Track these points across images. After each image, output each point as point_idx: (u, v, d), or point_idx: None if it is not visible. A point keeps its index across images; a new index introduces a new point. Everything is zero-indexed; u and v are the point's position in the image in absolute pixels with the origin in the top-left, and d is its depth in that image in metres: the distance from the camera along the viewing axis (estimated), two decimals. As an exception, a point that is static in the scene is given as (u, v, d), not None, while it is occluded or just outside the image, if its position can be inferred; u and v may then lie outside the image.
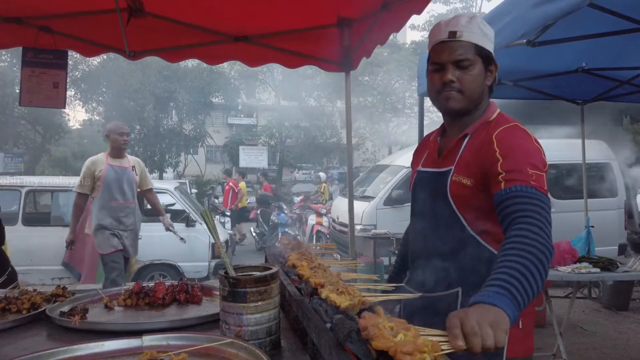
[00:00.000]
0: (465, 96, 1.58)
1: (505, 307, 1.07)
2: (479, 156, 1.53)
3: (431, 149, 1.76)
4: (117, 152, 4.88)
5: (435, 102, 1.66)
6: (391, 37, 3.39)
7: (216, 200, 16.13)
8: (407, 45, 30.01)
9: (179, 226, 7.29)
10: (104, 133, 4.99)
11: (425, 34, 31.49)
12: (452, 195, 1.57)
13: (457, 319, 1.00)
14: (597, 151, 7.95)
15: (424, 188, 1.72)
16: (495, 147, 1.48)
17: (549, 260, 1.24)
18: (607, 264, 4.12)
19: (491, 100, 1.68)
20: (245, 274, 1.33)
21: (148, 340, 1.26)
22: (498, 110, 1.65)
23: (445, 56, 1.57)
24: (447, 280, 1.58)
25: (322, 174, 16.43)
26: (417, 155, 1.88)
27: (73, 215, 4.96)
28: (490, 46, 1.59)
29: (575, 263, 4.14)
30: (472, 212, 1.54)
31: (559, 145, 7.72)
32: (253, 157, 24.99)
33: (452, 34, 1.55)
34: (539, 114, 6.27)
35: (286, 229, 11.14)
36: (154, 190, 8.74)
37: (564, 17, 2.42)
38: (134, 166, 5.05)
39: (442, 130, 1.78)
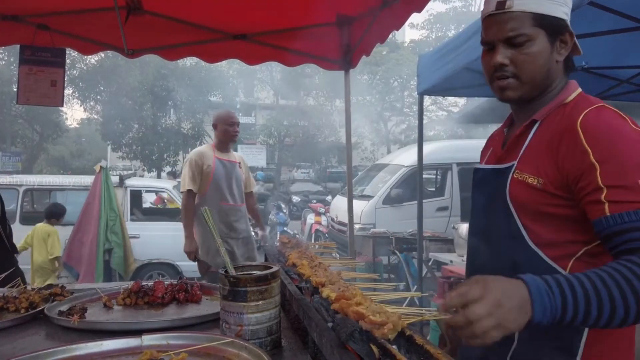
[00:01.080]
0: (523, 82, 1.25)
1: (537, 303, 0.91)
2: (556, 150, 1.18)
3: (496, 142, 1.44)
4: (225, 145, 4.10)
5: (491, 90, 1.35)
6: (390, 36, 3.38)
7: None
8: (406, 44, 30.03)
9: (177, 225, 7.27)
10: (212, 122, 4.16)
11: (424, 32, 31.55)
12: (511, 198, 1.24)
13: (475, 292, 0.90)
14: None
15: (480, 189, 1.41)
16: (585, 144, 1.12)
17: None
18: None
19: (571, 80, 1.32)
20: (245, 273, 1.32)
21: (147, 339, 1.25)
22: (578, 91, 1.29)
23: (493, 33, 1.27)
24: None
25: None
26: (482, 154, 1.54)
27: (186, 220, 3.94)
28: (560, 10, 1.23)
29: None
30: (537, 220, 1.21)
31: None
32: (252, 156, 24.99)
33: (501, 3, 1.23)
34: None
35: (285, 228, 11.14)
36: (151, 189, 8.75)
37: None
38: (239, 162, 4.23)
39: (510, 120, 1.45)
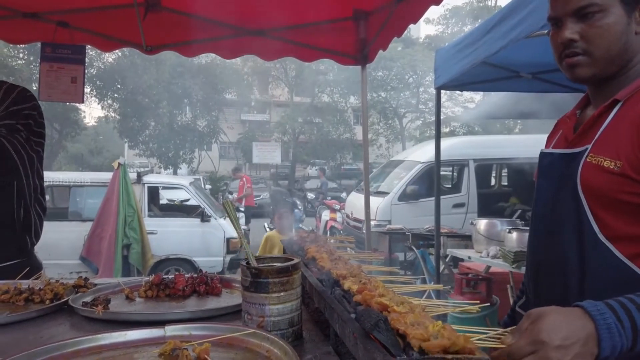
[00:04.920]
0: (595, 58, 1.13)
1: (606, 342, 0.81)
2: (636, 132, 1.04)
3: (566, 126, 1.28)
4: None
5: (561, 69, 1.24)
6: (405, 31, 3.36)
7: (230, 196, 16.23)
8: (422, 40, 29.83)
9: (194, 221, 7.35)
10: None
11: (440, 28, 31.27)
12: (582, 184, 1.11)
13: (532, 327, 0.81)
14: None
15: (546, 176, 1.27)
16: None
17: None
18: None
19: None
20: (266, 264, 1.33)
21: (170, 330, 1.26)
22: None
23: (559, 7, 1.15)
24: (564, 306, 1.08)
25: None
26: (549, 139, 1.39)
27: None
28: None
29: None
30: (611, 210, 1.08)
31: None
32: (266, 154, 25.06)
33: None
34: (559, 107, 6.19)
35: (300, 225, 11.16)
36: (168, 186, 8.78)
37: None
38: None
39: (585, 102, 1.30)
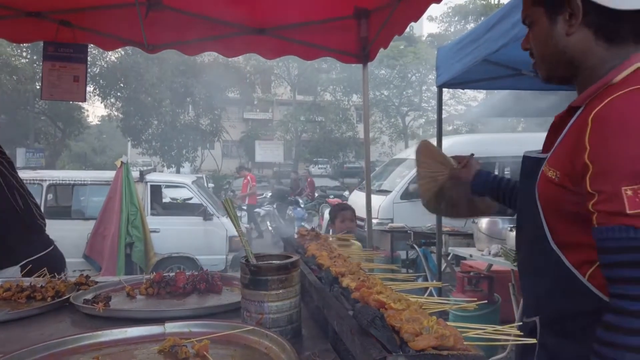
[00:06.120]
0: (539, 63, 1.23)
1: None
2: (572, 143, 1.05)
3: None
4: None
5: None
6: (408, 30, 3.35)
7: (232, 195, 16.26)
8: (424, 38, 29.74)
9: (196, 219, 7.36)
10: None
11: (443, 26, 31.18)
12: (539, 191, 1.13)
13: None
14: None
15: (522, 180, 1.29)
16: (586, 139, 0.98)
17: None
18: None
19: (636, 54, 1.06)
20: (266, 262, 1.33)
21: (170, 327, 1.27)
22: (636, 66, 1.04)
23: None
24: (529, 305, 1.26)
25: None
26: None
27: None
28: None
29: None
30: (558, 216, 1.10)
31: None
32: (269, 152, 25.08)
33: None
34: (561, 105, 6.18)
35: (302, 223, 11.17)
36: (170, 184, 8.78)
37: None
38: None
39: None
